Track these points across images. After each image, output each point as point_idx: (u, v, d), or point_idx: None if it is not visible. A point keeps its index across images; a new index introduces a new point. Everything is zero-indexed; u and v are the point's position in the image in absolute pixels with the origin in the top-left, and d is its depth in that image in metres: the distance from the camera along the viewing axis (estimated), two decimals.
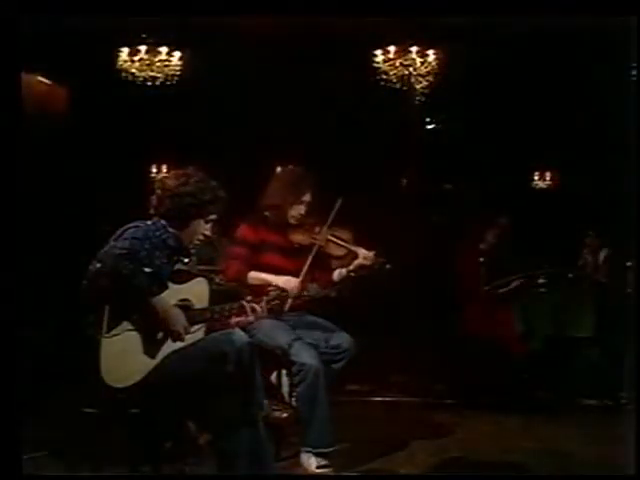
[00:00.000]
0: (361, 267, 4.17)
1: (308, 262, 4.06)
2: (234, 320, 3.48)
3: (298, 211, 4.17)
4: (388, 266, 4.22)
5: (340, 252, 4.19)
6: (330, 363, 4.03)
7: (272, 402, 3.95)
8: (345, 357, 4.06)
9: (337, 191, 4.24)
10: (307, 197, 4.18)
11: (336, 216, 4.18)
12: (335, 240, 4.18)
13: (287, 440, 4.18)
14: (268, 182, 4.27)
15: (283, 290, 3.60)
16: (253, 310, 3.44)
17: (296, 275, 4.05)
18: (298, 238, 4.17)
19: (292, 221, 4.19)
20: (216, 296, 3.49)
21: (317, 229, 4.18)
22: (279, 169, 4.31)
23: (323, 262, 4.23)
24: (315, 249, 4.10)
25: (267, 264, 4.13)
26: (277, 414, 4.01)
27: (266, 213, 4.22)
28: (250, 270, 4.10)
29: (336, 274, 4.27)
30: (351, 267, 4.19)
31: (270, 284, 3.95)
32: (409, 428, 4.99)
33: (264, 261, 4.14)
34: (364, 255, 4.14)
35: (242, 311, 3.44)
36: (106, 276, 3.07)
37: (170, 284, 3.30)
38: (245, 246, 4.13)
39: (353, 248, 4.18)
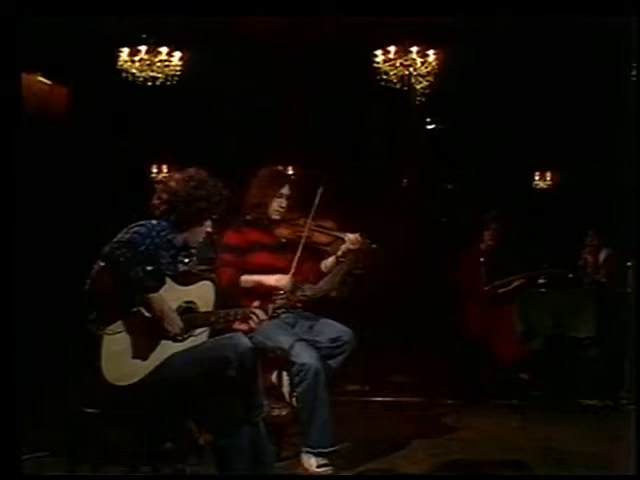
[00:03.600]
0: (349, 251, 4.18)
1: (297, 255, 4.07)
2: (238, 326, 3.51)
3: (279, 204, 4.20)
4: (374, 246, 4.23)
5: (326, 239, 4.22)
6: (330, 358, 4.03)
7: (272, 401, 3.95)
8: (345, 351, 4.06)
9: (336, 191, 4.25)
10: (286, 190, 4.21)
11: (321, 208, 4.19)
12: (320, 230, 4.20)
13: (287, 440, 4.19)
14: (248, 185, 4.30)
15: (290, 297, 3.60)
16: (258, 317, 3.45)
17: (287, 271, 4.05)
18: (283, 233, 4.20)
19: (275, 216, 4.21)
20: (221, 297, 3.50)
21: (301, 221, 4.20)
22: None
23: (310, 256, 4.23)
24: (302, 241, 4.12)
25: (257, 264, 4.14)
26: (276, 412, 4.01)
27: (248, 217, 4.24)
28: (242, 273, 4.11)
29: (323, 265, 4.30)
30: (339, 252, 4.20)
31: (264, 285, 4.01)
32: (409, 428, 4.98)
33: (254, 261, 4.14)
34: (350, 239, 4.16)
35: (247, 318, 3.45)
36: (105, 267, 3.09)
37: (176, 285, 3.31)
38: (233, 251, 4.15)
39: (339, 234, 4.20)
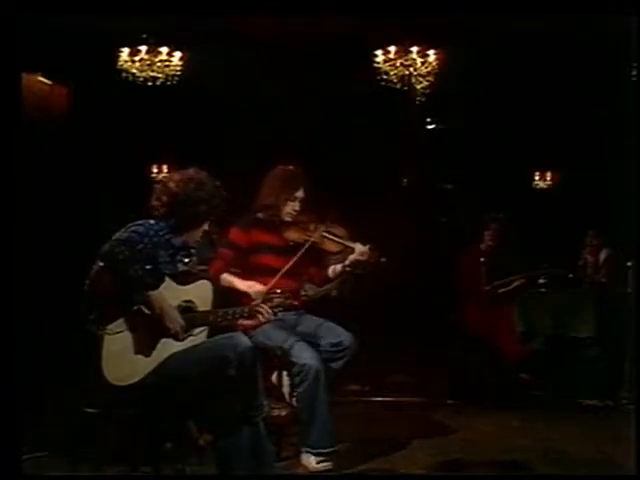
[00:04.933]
0: (357, 262, 4.16)
1: (294, 259, 4.05)
2: (238, 324, 3.51)
3: (292, 207, 4.18)
4: (383, 259, 4.21)
5: (336, 248, 4.20)
6: (330, 361, 4.03)
7: (272, 401, 3.95)
8: (346, 355, 4.05)
9: (337, 191, 4.25)
10: (300, 193, 4.19)
11: (331, 219, 4.19)
12: (330, 237, 4.18)
13: (287, 440, 4.19)
14: (260, 183, 4.27)
15: (287, 297, 3.60)
16: (264, 315, 3.45)
17: (292, 274, 4.04)
18: (293, 236, 4.18)
19: (287, 218, 4.19)
20: (220, 296, 3.51)
21: (312, 226, 4.19)
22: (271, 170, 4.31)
23: (318, 259, 4.23)
24: (307, 245, 4.10)
25: (263, 264, 4.12)
26: (276, 412, 4.01)
27: (259, 215, 4.22)
28: (231, 271, 4.09)
29: (330, 270, 4.28)
30: (347, 262, 4.18)
31: (236, 289, 3.98)
32: (409, 428, 4.98)
33: (259, 262, 4.13)
34: (360, 250, 4.14)
35: (255, 313, 3.45)
36: (104, 267, 3.09)
37: (174, 285, 3.31)
38: (233, 248, 4.13)
39: (349, 244, 4.18)
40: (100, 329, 3.09)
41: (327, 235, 4.18)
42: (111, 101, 8.21)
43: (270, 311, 3.48)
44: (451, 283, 6.60)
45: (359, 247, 4.15)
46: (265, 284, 3.96)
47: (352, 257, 4.15)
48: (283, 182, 4.19)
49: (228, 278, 4.07)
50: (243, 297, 3.91)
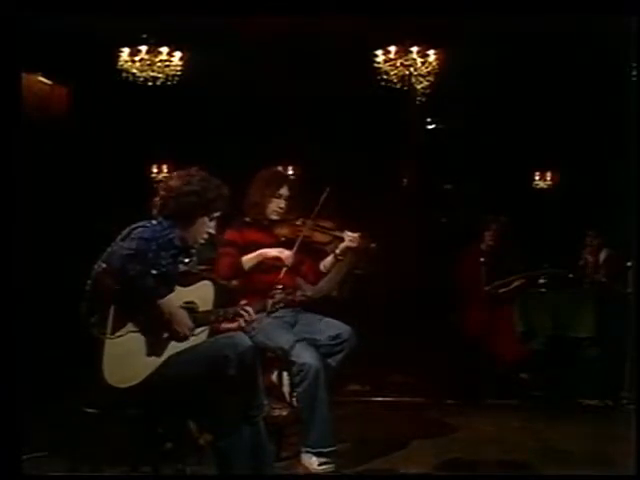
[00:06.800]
0: (348, 249, 4.22)
1: (297, 245, 4.10)
2: (227, 325, 3.51)
3: (277, 205, 4.23)
4: (373, 245, 4.25)
5: (326, 239, 4.25)
6: (330, 356, 4.04)
7: (272, 401, 3.95)
8: (344, 348, 4.07)
9: (337, 191, 4.26)
10: (284, 191, 4.24)
11: (323, 209, 4.21)
12: (319, 229, 4.24)
13: (287, 440, 4.19)
14: (248, 187, 4.32)
15: (289, 293, 3.61)
16: (249, 314, 3.45)
17: (287, 271, 4.08)
18: (284, 232, 4.23)
19: (273, 216, 4.24)
20: (220, 297, 3.50)
21: (300, 221, 4.23)
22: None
23: (309, 255, 4.28)
24: (300, 237, 4.14)
25: (260, 262, 4.15)
26: (276, 412, 4.01)
27: (246, 218, 4.26)
28: (241, 263, 4.14)
29: (322, 265, 4.33)
30: (338, 250, 4.22)
31: (267, 257, 4.10)
32: (409, 428, 4.98)
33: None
34: (350, 237, 4.18)
35: (238, 315, 3.45)
36: (112, 277, 3.08)
37: (176, 286, 3.30)
38: (233, 246, 4.18)
39: (338, 234, 4.23)
40: (102, 332, 3.08)
41: (316, 227, 4.23)
42: (111, 101, 8.20)
43: (253, 315, 3.47)
44: (451, 283, 6.60)
45: (348, 234, 4.19)
46: (265, 280, 4.02)
47: (342, 245, 4.19)
48: (266, 181, 4.27)
49: (252, 255, 4.13)
50: (246, 297, 3.92)
